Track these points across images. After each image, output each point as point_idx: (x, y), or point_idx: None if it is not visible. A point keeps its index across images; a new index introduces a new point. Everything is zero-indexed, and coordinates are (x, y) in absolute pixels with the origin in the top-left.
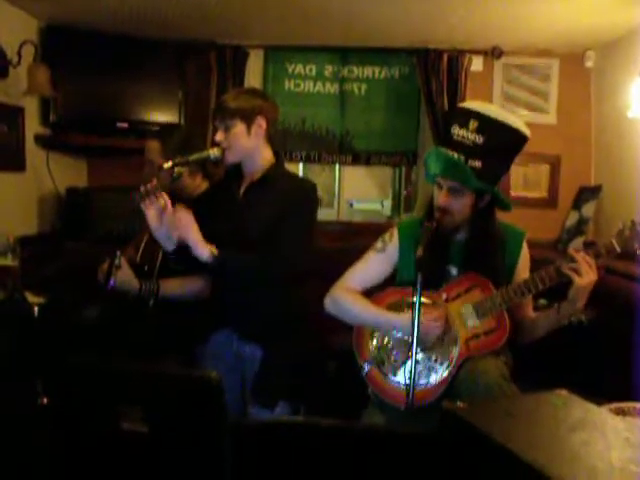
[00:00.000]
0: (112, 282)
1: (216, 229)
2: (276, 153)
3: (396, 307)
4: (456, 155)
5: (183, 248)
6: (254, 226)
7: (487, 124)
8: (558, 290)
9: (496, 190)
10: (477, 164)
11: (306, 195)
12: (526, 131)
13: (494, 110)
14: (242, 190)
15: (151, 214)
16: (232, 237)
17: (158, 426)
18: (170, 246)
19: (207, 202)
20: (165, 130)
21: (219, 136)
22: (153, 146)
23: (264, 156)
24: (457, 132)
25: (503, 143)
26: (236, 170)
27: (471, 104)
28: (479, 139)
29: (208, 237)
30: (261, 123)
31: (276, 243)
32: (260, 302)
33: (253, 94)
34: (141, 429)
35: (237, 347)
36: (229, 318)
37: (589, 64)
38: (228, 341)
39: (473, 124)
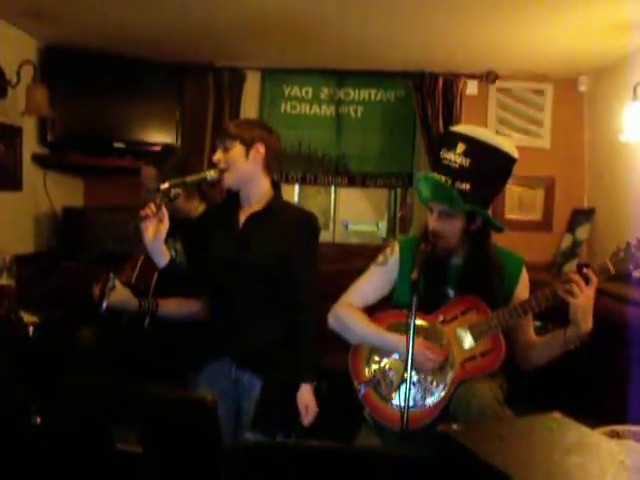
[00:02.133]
0: (105, 304)
1: (215, 258)
2: (274, 184)
3: (396, 328)
4: (444, 178)
5: (176, 265)
6: (256, 257)
7: (474, 147)
8: (554, 312)
9: (486, 212)
10: (465, 187)
11: (312, 228)
12: (513, 153)
13: (482, 133)
14: (242, 220)
15: (148, 228)
16: (232, 266)
17: (153, 447)
18: (162, 262)
19: (205, 229)
20: (160, 155)
21: (218, 155)
22: (148, 172)
23: (262, 185)
24: (445, 156)
25: (490, 165)
26: (234, 199)
27: (460, 128)
28: (466, 162)
29: (207, 266)
30: (260, 149)
31: (296, 288)
32: (260, 332)
33: (256, 124)
34: (136, 450)
35: (235, 374)
36: (228, 348)
37: (582, 89)
38: (226, 369)
39: (460, 147)
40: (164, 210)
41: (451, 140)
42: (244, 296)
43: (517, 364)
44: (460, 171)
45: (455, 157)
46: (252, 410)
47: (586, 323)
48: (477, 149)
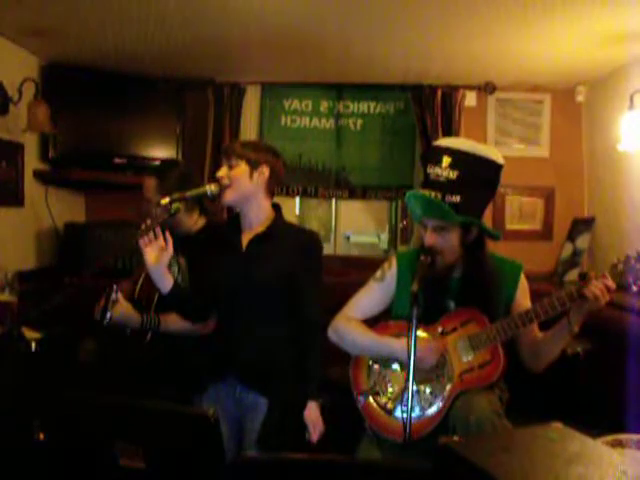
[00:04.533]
0: (109, 316)
1: (219, 281)
2: (275, 206)
3: None
4: (433, 194)
5: (179, 290)
6: (260, 279)
7: (459, 158)
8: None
9: (480, 221)
10: (455, 199)
11: (316, 247)
12: (499, 159)
13: (465, 144)
14: (244, 243)
15: (149, 254)
16: (236, 289)
17: (155, 462)
18: (166, 287)
19: (207, 250)
20: (162, 167)
21: (222, 171)
22: (149, 184)
23: (262, 206)
24: (432, 171)
25: (477, 174)
26: (235, 222)
27: (442, 141)
28: (453, 174)
29: (210, 289)
30: (264, 171)
31: (304, 308)
32: (264, 353)
33: (264, 147)
34: (138, 465)
35: (239, 395)
36: (235, 367)
37: (580, 99)
38: (230, 389)
39: (446, 161)
40: (168, 237)
41: (436, 155)
42: (249, 318)
43: (528, 368)
44: (448, 184)
45: (442, 171)
46: (256, 429)
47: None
48: (462, 160)
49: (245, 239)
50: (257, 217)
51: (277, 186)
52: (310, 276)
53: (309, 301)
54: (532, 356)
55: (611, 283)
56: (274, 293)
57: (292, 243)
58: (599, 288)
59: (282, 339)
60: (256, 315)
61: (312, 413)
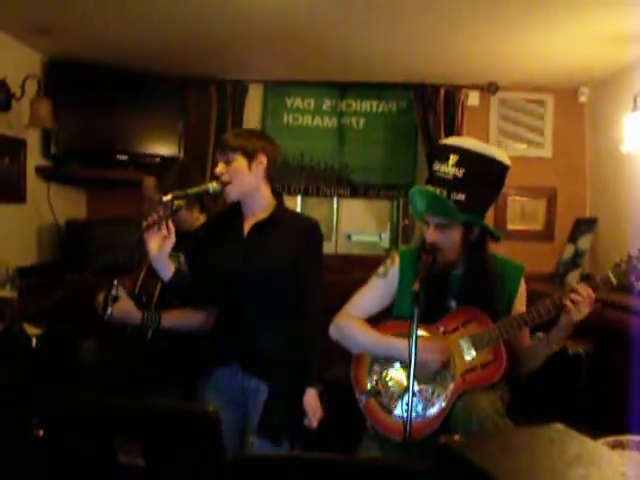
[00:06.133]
0: (109, 312)
1: (221, 268)
2: (276, 193)
3: None
4: (438, 190)
5: (181, 276)
6: (262, 266)
7: (466, 157)
8: (555, 323)
9: (483, 221)
10: (460, 197)
11: (316, 234)
12: (505, 160)
13: (473, 143)
14: (246, 230)
15: (153, 243)
16: (238, 275)
17: (155, 460)
18: (167, 275)
19: (208, 240)
20: (161, 166)
21: (220, 168)
22: (149, 183)
23: (265, 195)
24: (438, 168)
25: (483, 174)
26: (236, 209)
27: (450, 140)
28: (459, 172)
29: (212, 276)
30: (262, 160)
31: (304, 294)
32: (266, 339)
33: (256, 134)
34: (138, 463)
35: (242, 381)
36: (237, 353)
37: (583, 99)
38: (233, 375)
39: (453, 159)
40: (171, 226)
41: (443, 152)
42: (250, 304)
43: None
44: (454, 182)
45: (448, 169)
46: (258, 415)
47: (570, 332)
48: (469, 159)
49: (247, 226)
50: (259, 205)
51: (275, 171)
52: (312, 264)
53: (310, 288)
54: (517, 362)
55: (591, 291)
56: (275, 279)
57: (293, 230)
58: (580, 293)
59: (283, 325)
60: (257, 303)
61: (311, 399)
